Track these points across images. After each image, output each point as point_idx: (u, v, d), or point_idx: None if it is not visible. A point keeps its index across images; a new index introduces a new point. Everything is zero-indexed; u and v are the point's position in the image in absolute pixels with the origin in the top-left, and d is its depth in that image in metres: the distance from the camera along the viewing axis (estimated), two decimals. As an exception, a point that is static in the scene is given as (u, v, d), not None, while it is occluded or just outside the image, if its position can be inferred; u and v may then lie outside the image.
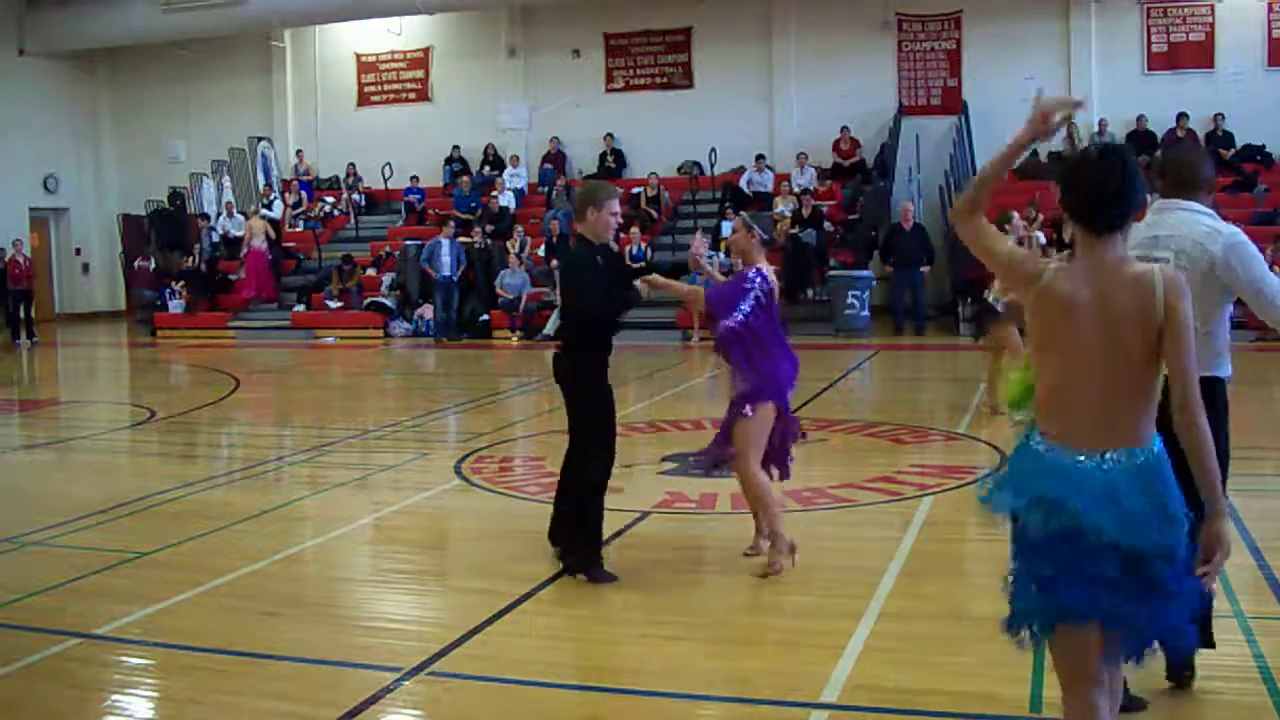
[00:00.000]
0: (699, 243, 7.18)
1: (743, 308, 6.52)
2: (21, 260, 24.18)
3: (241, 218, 26.54)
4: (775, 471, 6.86)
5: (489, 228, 23.67)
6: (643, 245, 22.43)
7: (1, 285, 24.53)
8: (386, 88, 28.14)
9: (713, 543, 7.64)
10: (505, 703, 4.93)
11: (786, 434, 6.80)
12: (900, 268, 21.07)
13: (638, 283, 6.81)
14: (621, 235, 22.47)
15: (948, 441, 10.73)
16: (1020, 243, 14.55)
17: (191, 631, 5.76)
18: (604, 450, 6.66)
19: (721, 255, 21.07)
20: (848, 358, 17.49)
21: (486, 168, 26.63)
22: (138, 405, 14.97)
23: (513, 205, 25.16)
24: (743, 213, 7.01)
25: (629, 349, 19.36)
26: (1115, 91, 23.14)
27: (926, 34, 24.33)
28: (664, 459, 9.87)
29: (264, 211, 26.05)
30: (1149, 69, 23.36)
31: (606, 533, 6.91)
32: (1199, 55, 23.05)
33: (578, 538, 6.69)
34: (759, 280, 6.57)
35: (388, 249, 24.73)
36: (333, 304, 23.54)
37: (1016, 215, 12.13)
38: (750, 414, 6.56)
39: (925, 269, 21.13)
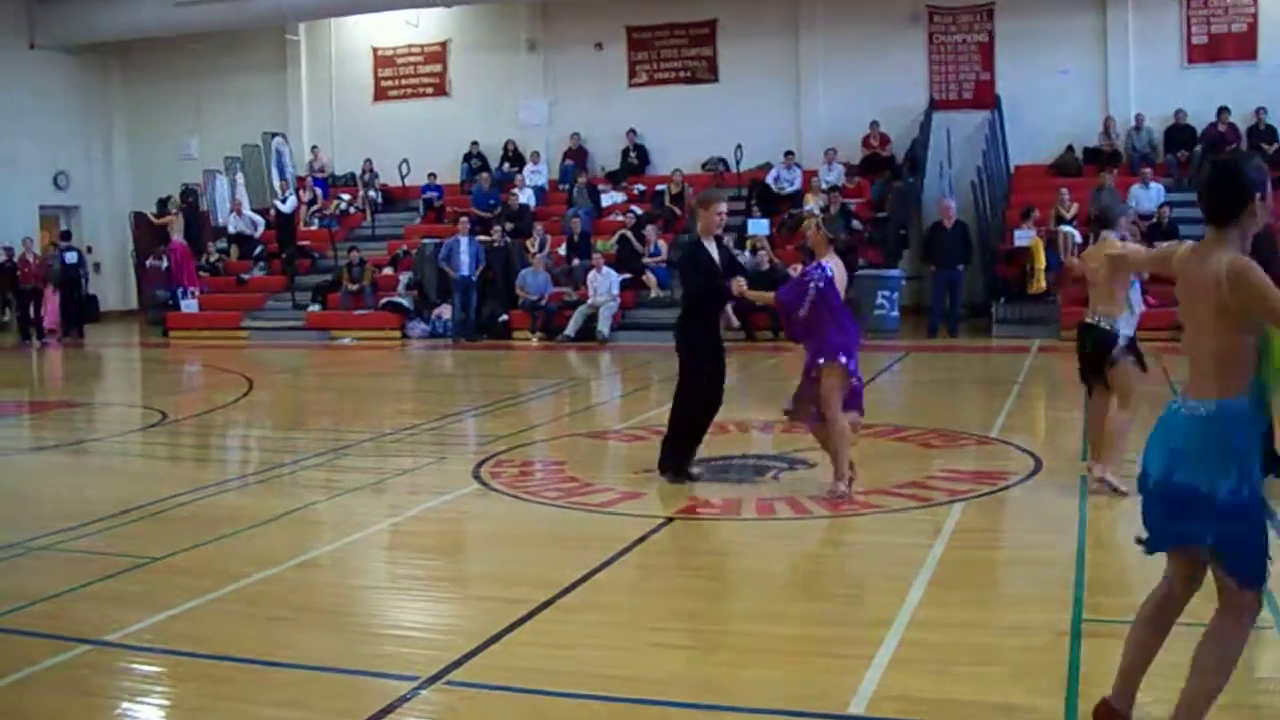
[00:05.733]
0: (738, 285, 8.92)
1: (805, 302, 8.31)
2: (31, 259, 24.33)
3: (253, 216, 26.66)
4: (855, 413, 8.62)
5: (508, 226, 23.69)
6: (660, 244, 22.42)
7: (12, 284, 24.70)
8: (404, 82, 28.21)
9: (737, 549, 7.63)
10: (524, 713, 4.93)
11: (855, 390, 8.52)
12: (940, 268, 20.95)
13: (731, 282, 8.85)
14: (644, 233, 22.58)
15: (980, 446, 10.68)
16: (1065, 249, 14.17)
17: (203, 638, 5.78)
18: (699, 392, 8.99)
19: (747, 253, 21.07)
20: (876, 359, 17.37)
21: (506, 164, 26.67)
22: (149, 407, 15.03)
23: (533, 203, 25.18)
24: (818, 215, 9.37)
25: (650, 349, 19.38)
26: (1153, 85, 23.01)
27: (958, 26, 24.24)
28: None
29: (279, 206, 26.16)
30: (1188, 61, 23.18)
31: (628, 539, 7.29)
32: (1241, 47, 22.88)
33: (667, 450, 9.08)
34: (817, 274, 8.35)
35: (405, 248, 24.78)
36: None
37: (1071, 229, 11.54)
38: (831, 362, 8.31)
39: (962, 268, 21.00)
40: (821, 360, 8.38)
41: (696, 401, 9.07)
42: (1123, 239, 8.64)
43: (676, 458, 9.09)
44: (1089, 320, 8.36)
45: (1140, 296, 8.61)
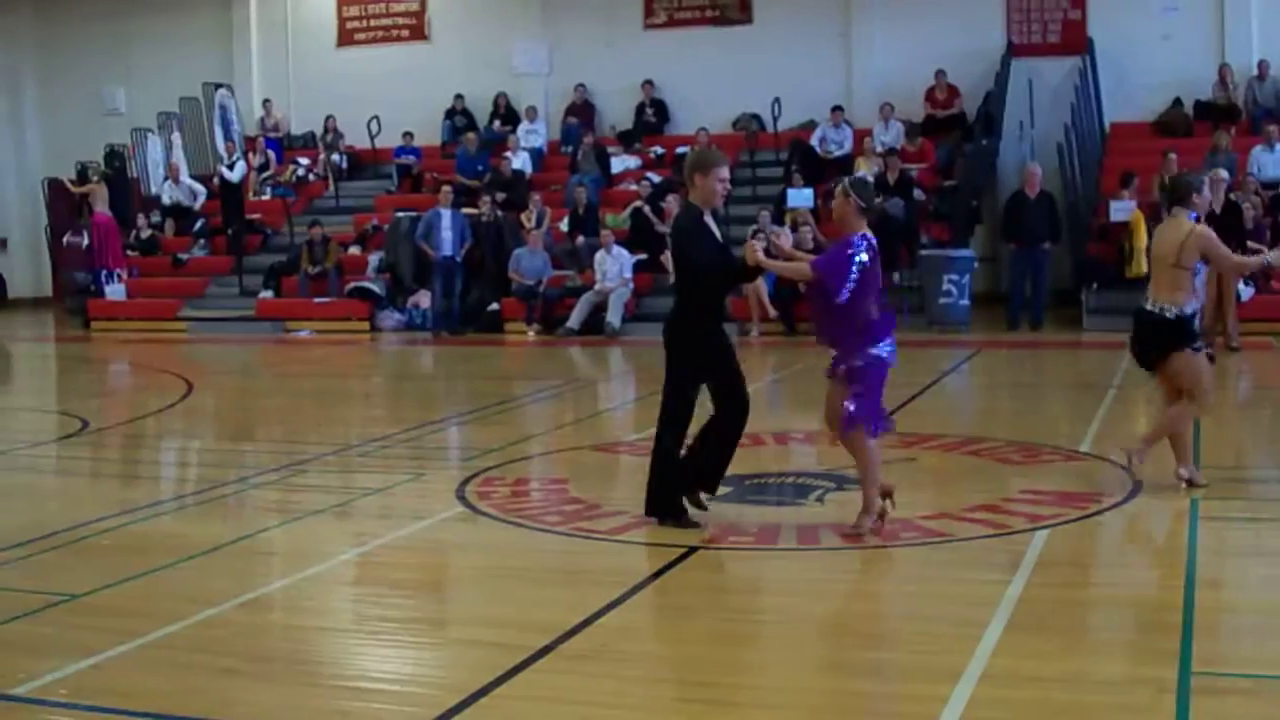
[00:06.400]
0: (783, 236, 8.85)
1: (851, 277, 7.81)
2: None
3: (193, 184, 26.67)
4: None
5: (499, 196, 23.69)
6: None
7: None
8: (374, 23, 28.24)
9: (775, 587, 7.61)
10: (517, 782, 4.94)
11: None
12: (1022, 247, 20.85)
13: (745, 247, 8.26)
14: (663, 205, 22.57)
15: (1067, 462, 10.66)
16: None
17: (132, 692, 5.79)
18: (688, 414, 8.45)
19: (787, 229, 21.08)
20: (943, 357, 17.41)
21: (496, 122, 26.69)
22: (67, 413, 15.06)
23: (528, 169, 25.19)
24: (844, 178, 8.70)
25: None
26: (1281, 24, 22.94)
27: (1042, -45, 24.22)
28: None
29: (225, 172, 26.17)
30: (1327, -5, 23.10)
31: (643, 574, 7.43)
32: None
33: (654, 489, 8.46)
34: (862, 244, 7.90)
35: (375, 222, 24.80)
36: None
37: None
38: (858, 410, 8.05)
39: (1048, 247, 20.88)
40: (856, 362, 8.07)
41: (683, 427, 8.51)
42: (1199, 217, 9.16)
43: (668, 502, 8.50)
44: (1147, 308, 9.06)
45: (1204, 283, 9.26)
